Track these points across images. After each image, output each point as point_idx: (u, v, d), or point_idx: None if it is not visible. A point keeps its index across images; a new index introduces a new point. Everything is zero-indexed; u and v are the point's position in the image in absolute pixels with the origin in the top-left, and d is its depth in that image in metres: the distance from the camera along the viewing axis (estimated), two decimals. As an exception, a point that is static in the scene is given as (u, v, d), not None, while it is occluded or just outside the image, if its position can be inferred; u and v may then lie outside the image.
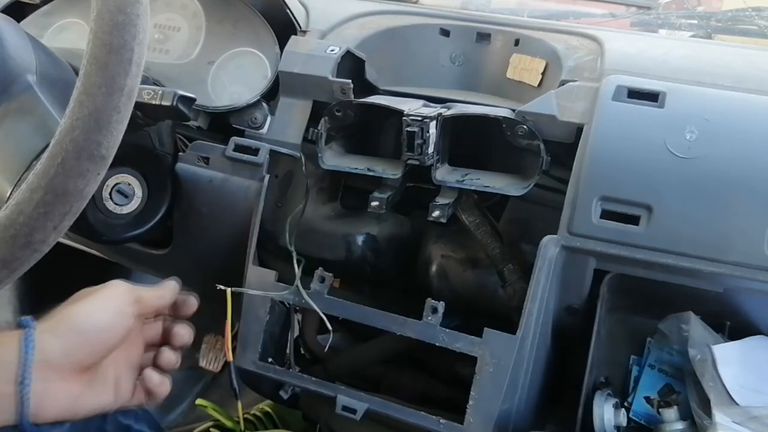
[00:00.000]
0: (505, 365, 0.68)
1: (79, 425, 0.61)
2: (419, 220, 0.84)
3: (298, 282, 0.71)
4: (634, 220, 0.67)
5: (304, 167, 0.82)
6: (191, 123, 0.87)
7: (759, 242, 0.64)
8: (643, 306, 0.81)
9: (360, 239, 0.83)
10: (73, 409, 0.60)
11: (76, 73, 0.51)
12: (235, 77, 0.89)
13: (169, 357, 0.68)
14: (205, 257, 0.88)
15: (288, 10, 0.89)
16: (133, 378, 0.66)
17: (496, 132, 0.76)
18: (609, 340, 0.81)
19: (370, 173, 0.79)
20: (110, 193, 0.76)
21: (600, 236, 0.68)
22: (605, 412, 0.74)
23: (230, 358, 0.76)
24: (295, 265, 0.77)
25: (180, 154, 0.83)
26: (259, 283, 0.77)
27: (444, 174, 0.77)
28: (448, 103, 0.80)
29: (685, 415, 0.74)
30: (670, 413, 0.74)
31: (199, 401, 0.61)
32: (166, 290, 0.68)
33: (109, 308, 0.61)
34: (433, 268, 0.83)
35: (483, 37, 0.92)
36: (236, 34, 0.90)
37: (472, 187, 0.76)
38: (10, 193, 0.65)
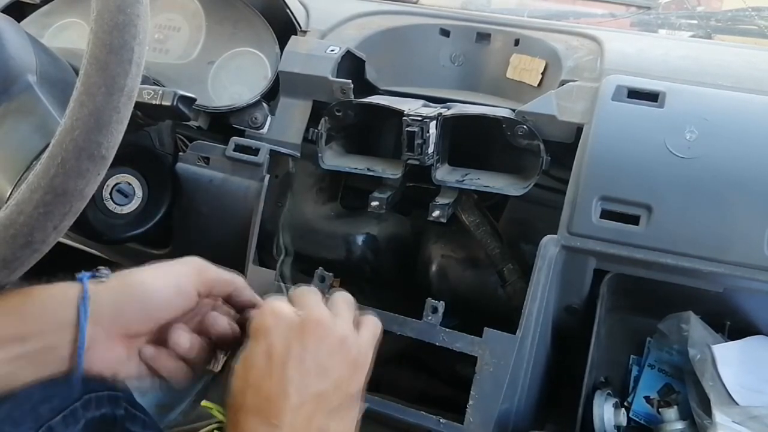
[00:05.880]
0: (504, 365, 0.68)
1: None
2: (419, 220, 0.84)
3: (277, 275, 0.71)
4: (633, 220, 0.67)
5: (292, 167, 0.82)
6: (191, 123, 0.87)
7: (759, 242, 0.64)
8: (643, 306, 0.81)
9: (360, 239, 0.83)
10: (115, 370, 0.59)
11: (76, 73, 0.50)
12: (236, 77, 0.89)
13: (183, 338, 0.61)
14: (205, 257, 0.87)
15: (288, 10, 0.89)
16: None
17: (496, 132, 0.76)
18: (609, 340, 0.81)
19: (370, 173, 0.79)
20: (110, 193, 0.76)
21: (600, 236, 0.68)
22: (605, 411, 0.74)
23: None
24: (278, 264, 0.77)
25: (180, 154, 0.83)
26: (259, 282, 0.77)
27: (444, 174, 0.77)
28: (448, 103, 0.80)
29: (685, 415, 0.74)
30: (670, 413, 0.74)
31: (204, 403, 0.61)
32: (237, 281, 0.66)
33: (170, 285, 0.60)
34: (433, 268, 0.83)
35: (483, 37, 0.92)
36: (236, 34, 0.90)
37: (472, 187, 0.76)
38: (10, 193, 0.64)
